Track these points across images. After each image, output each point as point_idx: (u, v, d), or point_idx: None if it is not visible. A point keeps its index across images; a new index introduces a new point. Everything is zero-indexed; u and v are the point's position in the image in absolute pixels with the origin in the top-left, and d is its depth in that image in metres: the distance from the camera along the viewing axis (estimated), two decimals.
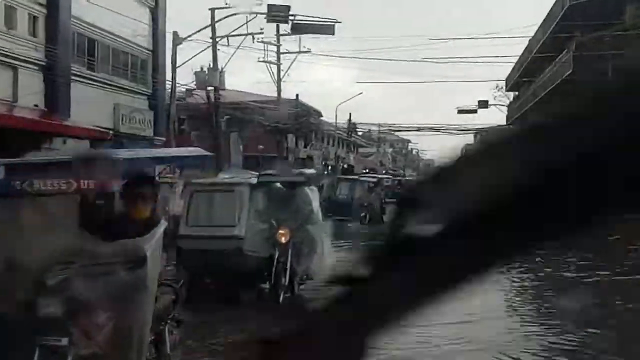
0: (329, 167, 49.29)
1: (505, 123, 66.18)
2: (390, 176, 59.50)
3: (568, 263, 14.26)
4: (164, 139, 23.98)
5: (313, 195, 11.20)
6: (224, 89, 27.88)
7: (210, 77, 26.55)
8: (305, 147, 43.18)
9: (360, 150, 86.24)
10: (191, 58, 23.83)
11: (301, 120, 39.61)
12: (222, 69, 27.93)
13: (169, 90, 25.71)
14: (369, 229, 22.35)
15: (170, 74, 24.81)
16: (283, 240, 9.91)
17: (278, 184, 11.19)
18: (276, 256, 9.73)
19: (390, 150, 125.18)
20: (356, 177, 25.84)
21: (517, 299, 11.96)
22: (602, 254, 14.43)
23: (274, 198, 10.78)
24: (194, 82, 26.94)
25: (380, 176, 55.27)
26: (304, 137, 43.86)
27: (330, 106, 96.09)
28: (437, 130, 35.38)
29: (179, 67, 23.18)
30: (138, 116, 23.56)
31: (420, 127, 35.60)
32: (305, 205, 10.81)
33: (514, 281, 12.26)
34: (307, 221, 10.61)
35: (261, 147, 40.32)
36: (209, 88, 27.14)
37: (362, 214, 24.51)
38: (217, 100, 27.28)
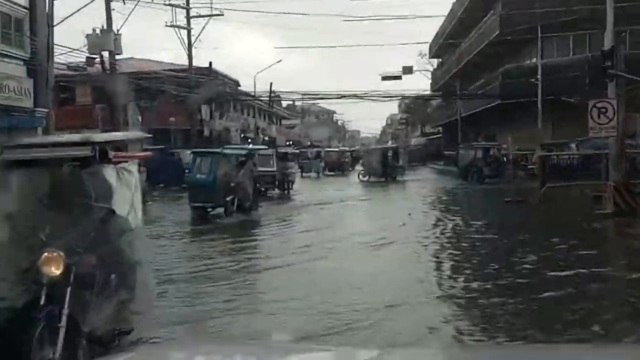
0: (249, 140, 46.32)
1: (430, 89, 64.78)
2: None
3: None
4: (46, 110, 20.54)
5: (122, 180, 5.69)
6: (119, 54, 24.41)
7: (104, 40, 23.03)
8: (221, 118, 40.06)
9: (284, 122, 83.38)
10: (72, 14, 20.16)
11: (215, 90, 36.45)
12: (117, 31, 24.51)
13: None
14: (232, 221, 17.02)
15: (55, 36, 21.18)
16: (53, 271, 4.80)
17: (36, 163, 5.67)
18: (41, 302, 4.79)
19: (315, 121, 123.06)
20: (218, 150, 19.63)
21: None
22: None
23: (32, 190, 5.46)
24: (86, 47, 23.38)
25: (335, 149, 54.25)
26: (219, 108, 40.72)
27: (248, 75, 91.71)
28: (361, 97, 33.03)
29: (56, 25, 19.69)
30: (13, 84, 20.04)
31: (343, 94, 33.12)
32: (99, 200, 5.29)
33: None
34: (102, 230, 5.26)
35: (172, 119, 37.04)
36: (104, 53, 23.66)
37: (228, 199, 17.32)
38: (112, 66, 23.84)
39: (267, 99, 51.26)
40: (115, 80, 23.55)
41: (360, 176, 36.77)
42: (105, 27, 24.15)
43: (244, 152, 20.14)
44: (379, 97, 33.58)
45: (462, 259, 11.26)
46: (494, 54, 40.73)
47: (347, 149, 61.72)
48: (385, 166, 35.82)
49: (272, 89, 48.82)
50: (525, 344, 5.92)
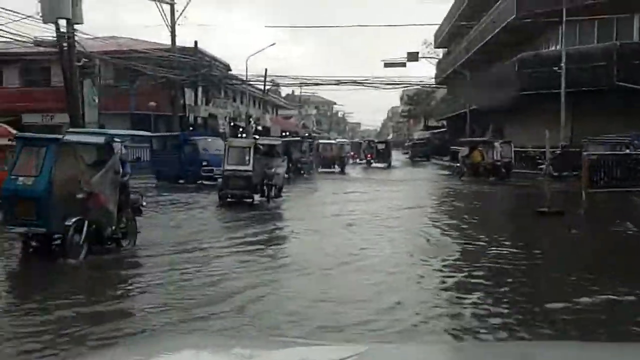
0: (239, 129, 42.86)
1: (434, 80, 61.31)
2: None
3: None
4: None
5: None
6: (79, 23, 20.82)
7: (60, 5, 19.33)
8: (207, 104, 36.57)
9: (281, 112, 79.89)
10: None
11: (200, 72, 33.01)
12: None
13: None
14: None
15: None
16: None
17: None
18: None
19: (314, 112, 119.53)
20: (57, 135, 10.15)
21: None
22: None
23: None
24: (40, 14, 19.74)
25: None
26: (205, 93, 37.25)
27: (238, 57, 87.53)
28: (361, 84, 29.60)
29: None
30: None
31: (341, 79, 29.65)
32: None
33: None
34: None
35: (152, 104, 33.63)
36: (60, 21, 20.04)
37: (71, 223, 9.93)
38: (69, 38, 20.27)
39: (261, 85, 47.78)
40: (73, 55, 19.96)
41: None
42: None
43: (102, 139, 10.72)
44: (380, 84, 30.19)
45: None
46: (507, 41, 37.29)
47: (346, 141, 56.84)
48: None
49: (267, 75, 45.40)
50: (526, 342, 5.38)
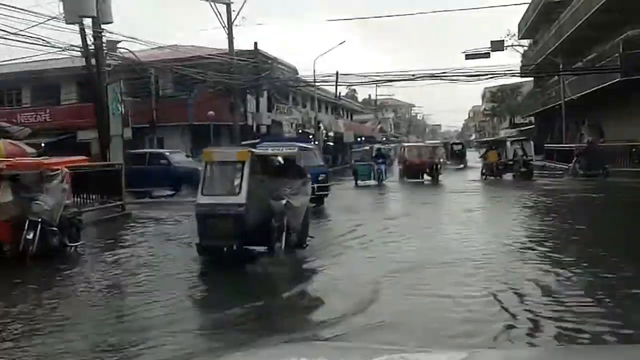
0: (309, 136, 39.85)
1: (520, 73, 56.09)
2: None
3: None
4: None
5: None
6: (108, 22, 18.15)
7: (82, 1, 16.62)
8: (269, 111, 33.76)
9: (356, 117, 76.63)
10: None
11: (261, 76, 30.25)
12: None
13: None
14: None
15: None
16: None
17: None
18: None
19: (392, 115, 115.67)
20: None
21: None
22: None
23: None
24: (63, 14, 17.11)
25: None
26: (268, 98, 34.49)
27: (301, 58, 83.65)
28: (438, 77, 25.94)
29: None
30: None
31: (416, 74, 26.11)
32: None
33: None
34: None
35: (211, 113, 31.12)
36: (86, 21, 17.34)
37: None
38: (98, 39, 17.63)
39: (332, 88, 44.72)
40: (98, 60, 17.29)
41: None
42: None
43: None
44: (461, 76, 26.34)
45: None
46: (606, 22, 32.60)
47: (439, 142, 48.76)
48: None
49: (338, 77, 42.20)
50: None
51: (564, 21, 39.48)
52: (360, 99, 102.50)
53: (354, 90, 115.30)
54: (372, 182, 28.26)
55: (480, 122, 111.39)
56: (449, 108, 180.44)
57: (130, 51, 29.81)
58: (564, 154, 31.97)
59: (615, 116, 34.83)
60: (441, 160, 30.68)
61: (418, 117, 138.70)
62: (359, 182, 28.26)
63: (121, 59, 30.82)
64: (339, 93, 51.96)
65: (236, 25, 30.26)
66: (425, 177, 29.83)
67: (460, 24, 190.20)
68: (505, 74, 29.02)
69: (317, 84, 36.04)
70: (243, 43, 31.95)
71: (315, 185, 14.11)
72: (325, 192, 18.40)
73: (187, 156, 27.67)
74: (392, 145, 58.94)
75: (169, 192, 23.59)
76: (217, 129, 31.90)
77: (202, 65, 31.03)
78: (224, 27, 30.31)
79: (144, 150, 29.39)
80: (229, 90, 30.36)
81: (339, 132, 48.80)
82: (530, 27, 55.12)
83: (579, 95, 33.53)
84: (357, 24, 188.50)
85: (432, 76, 26.14)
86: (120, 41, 30.37)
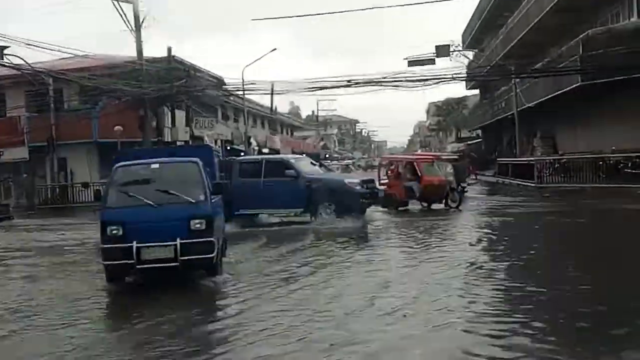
0: (241, 153, 35.73)
1: (467, 78, 53.16)
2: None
3: None
4: None
5: None
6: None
7: None
8: (187, 125, 29.56)
9: (298, 133, 72.96)
10: None
11: (174, 85, 26.11)
12: None
13: None
14: None
15: None
16: None
17: None
18: None
19: (335, 131, 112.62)
20: None
21: None
22: None
23: None
24: None
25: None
26: (188, 111, 30.37)
27: (225, 67, 78.38)
28: (377, 83, 22.33)
29: None
30: None
31: (352, 79, 22.45)
32: None
33: None
34: None
35: (118, 128, 26.75)
36: None
37: None
38: None
39: (268, 102, 40.90)
40: None
41: None
42: None
43: None
44: (402, 80, 22.78)
45: None
46: (559, 23, 29.86)
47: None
48: None
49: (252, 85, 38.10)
50: None
51: (513, 25, 36.74)
52: (304, 116, 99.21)
53: (298, 107, 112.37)
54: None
55: (425, 137, 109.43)
56: (394, 123, 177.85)
57: (21, 58, 25.53)
58: (523, 169, 28.70)
59: (569, 127, 32.06)
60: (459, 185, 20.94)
61: (363, 133, 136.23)
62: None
63: (13, 67, 26.57)
64: (275, 107, 48.24)
65: (144, 27, 26.11)
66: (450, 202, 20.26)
67: (404, 27, 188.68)
68: (453, 78, 25.29)
69: (246, 93, 32.02)
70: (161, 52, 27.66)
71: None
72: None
73: (312, 163, 19.50)
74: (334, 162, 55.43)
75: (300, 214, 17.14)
76: (128, 146, 27.60)
77: (113, 75, 26.82)
78: (131, 31, 26.11)
79: (257, 156, 24.97)
80: (138, 102, 26.14)
81: (275, 148, 44.89)
82: (474, 37, 52.59)
83: (534, 102, 30.52)
84: (303, 42, 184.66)
85: (371, 82, 22.53)
86: (7, 47, 26.39)
